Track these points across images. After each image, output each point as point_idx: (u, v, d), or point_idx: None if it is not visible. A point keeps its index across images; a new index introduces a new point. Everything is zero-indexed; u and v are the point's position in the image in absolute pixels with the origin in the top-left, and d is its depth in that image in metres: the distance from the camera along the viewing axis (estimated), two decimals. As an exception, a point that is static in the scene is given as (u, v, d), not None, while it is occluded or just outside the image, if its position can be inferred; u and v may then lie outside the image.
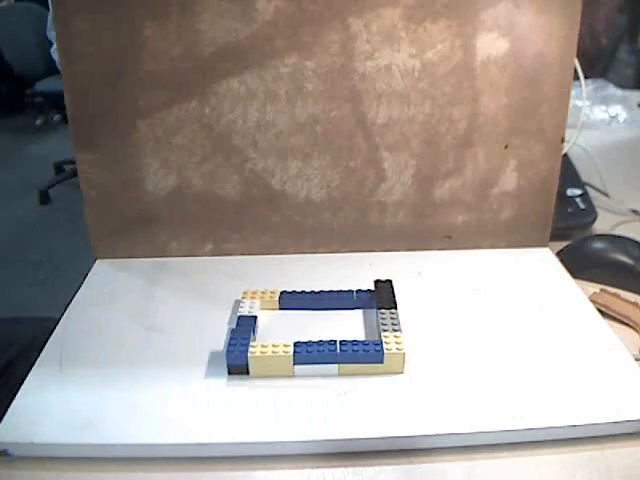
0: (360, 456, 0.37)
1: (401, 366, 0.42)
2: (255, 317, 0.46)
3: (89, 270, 0.55)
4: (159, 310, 0.49)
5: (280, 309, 0.49)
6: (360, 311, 0.48)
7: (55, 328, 0.47)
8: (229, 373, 0.42)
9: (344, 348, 0.42)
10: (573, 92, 0.53)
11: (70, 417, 0.38)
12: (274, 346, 0.42)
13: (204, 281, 0.53)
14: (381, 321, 0.45)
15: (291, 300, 0.48)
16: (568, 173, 0.67)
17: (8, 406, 0.39)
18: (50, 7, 0.48)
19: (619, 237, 0.58)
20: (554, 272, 0.54)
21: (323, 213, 0.56)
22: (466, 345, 0.45)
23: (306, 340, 0.42)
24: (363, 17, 0.48)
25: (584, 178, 0.70)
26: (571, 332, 0.46)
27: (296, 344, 0.42)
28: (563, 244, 0.58)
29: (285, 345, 0.42)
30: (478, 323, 0.47)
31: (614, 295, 0.51)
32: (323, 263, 0.55)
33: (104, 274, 0.55)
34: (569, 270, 0.54)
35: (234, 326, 0.45)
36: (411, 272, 0.53)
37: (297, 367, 0.41)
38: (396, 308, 0.46)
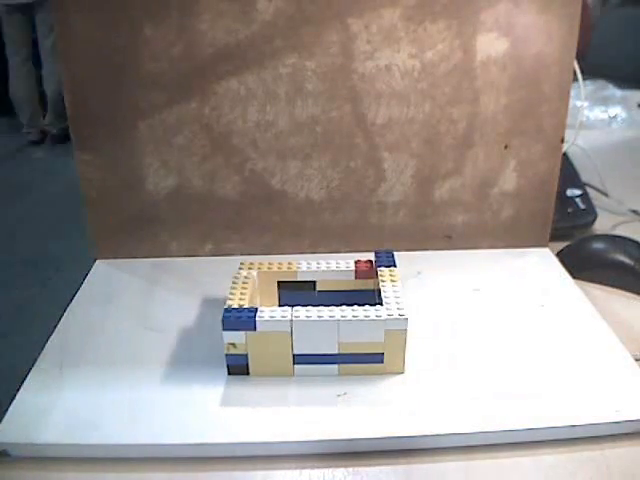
0: (360, 456, 0.37)
1: (402, 362, 0.42)
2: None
3: (89, 270, 0.55)
4: (159, 310, 0.49)
5: (280, 306, 0.49)
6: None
7: (55, 328, 0.47)
8: (229, 373, 0.42)
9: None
10: (572, 92, 0.53)
11: (70, 417, 0.38)
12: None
13: (204, 281, 0.53)
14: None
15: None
16: (568, 173, 0.67)
17: (8, 406, 0.39)
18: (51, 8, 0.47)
19: (619, 237, 0.58)
20: (554, 272, 0.54)
21: (323, 213, 0.56)
22: (466, 345, 0.45)
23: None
24: (363, 17, 0.48)
25: (584, 178, 0.70)
26: (571, 332, 0.46)
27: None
28: (563, 244, 0.58)
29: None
30: (478, 323, 0.47)
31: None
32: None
33: (104, 274, 0.55)
34: (569, 270, 0.54)
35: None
36: (411, 272, 0.53)
37: (297, 367, 0.41)
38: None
